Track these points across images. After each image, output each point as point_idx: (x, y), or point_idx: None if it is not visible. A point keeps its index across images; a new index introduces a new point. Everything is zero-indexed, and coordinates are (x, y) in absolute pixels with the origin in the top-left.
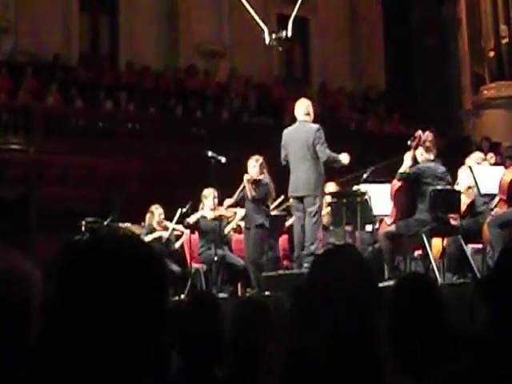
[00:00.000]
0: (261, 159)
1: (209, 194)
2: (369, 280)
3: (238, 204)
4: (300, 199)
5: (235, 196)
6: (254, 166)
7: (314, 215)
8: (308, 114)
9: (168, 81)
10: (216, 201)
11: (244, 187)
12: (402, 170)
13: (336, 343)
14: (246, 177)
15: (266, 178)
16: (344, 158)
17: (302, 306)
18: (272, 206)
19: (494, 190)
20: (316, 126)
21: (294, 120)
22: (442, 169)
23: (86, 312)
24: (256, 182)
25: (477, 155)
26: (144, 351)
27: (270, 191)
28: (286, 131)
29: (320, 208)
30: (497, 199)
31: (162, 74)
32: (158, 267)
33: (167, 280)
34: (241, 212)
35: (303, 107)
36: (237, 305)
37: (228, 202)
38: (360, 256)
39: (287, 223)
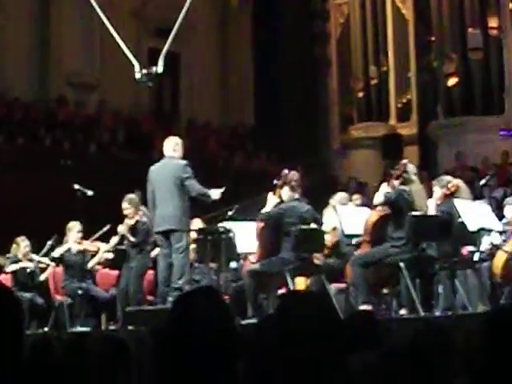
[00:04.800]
0: (134, 197)
1: (73, 227)
2: (227, 323)
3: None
4: (165, 235)
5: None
6: (129, 208)
7: (182, 252)
8: (175, 151)
9: (38, 111)
10: (80, 234)
11: (122, 236)
12: (265, 209)
13: None
14: (119, 230)
15: (143, 215)
16: (215, 193)
17: (162, 348)
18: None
19: (359, 230)
20: (183, 161)
21: (162, 155)
22: (305, 208)
23: None
24: (134, 226)
25: (341, 195)
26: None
27: (149, 227)
28: (152, 168)
29: (188, 244)
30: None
31: (31, 105)
32: (9, 304)
33: (19, 316)
34: (104, 247)
35: (171, 143)
36: (95, 342)
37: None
38: (218, 298)
39: (151, 255)
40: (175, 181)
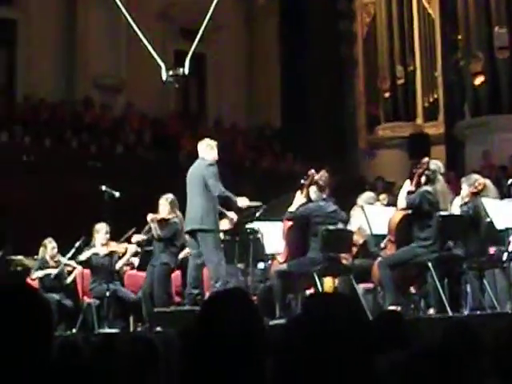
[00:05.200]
0: (171, 198)
1: (101, 229)
2: (256, 324)
3: (148, 241)
4: (192, 235)
5: (143, 232)
6: (164, 205)
7: (212, 252)
8: (206, 152)
9: (64, 113)
10: (108, 236)
11: (150, 226)
12: (292, 208)
13: None
14: (149, 216)
15: (176, 217)
16: (241, 200)
17: (191, 349)
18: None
19: (386, 230)
20: (208, 161)
21: (189, 156)
22: (332, 207)
23: None
24: (164, 221)
25: (368, 195)
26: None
27: (180, 231)
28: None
29: (216, 244)
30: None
31: (58, 106)
32: (38, 306)
33: (48, 317)
34: (132, 248)
35: (203, 145)
36: (123, 343)
37: (137, 237)
38: (248, 300)
39: (179, 257)
40: (199, 181)
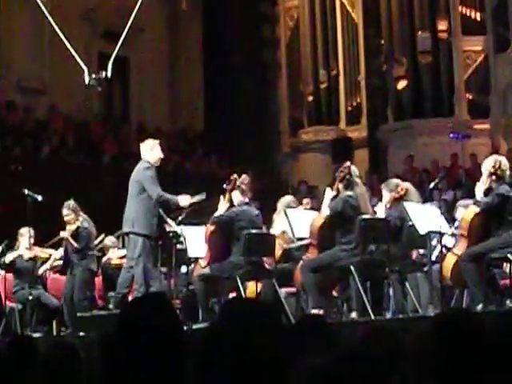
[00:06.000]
0: (71, 204)
1: (25, 233)
2: (175, 330)
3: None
4: (127, 236)
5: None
6: (69, 214)
7: (139, 256)
8: (147, 154)
9: None
10: (32, 240)
11: (62, 240)
12: (216, 214)
13: None
14: (62, 234)
15: (83, 220)
16: (183, 199)
17: (111, 354)
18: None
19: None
20: (145, 164)
21: (112, 159)
22: (255, 212)
23: None
24: (75, 232)
25: (288, 199)
26: None
27: (91, 231)
28: None
29: (145, 249)
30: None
31: None
32: None
33: None
34: (56, 253)
35: (145, 146)
36: (45, 348)
37: (58, 253)
38: (167, 305)
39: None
40: (134, 184)
